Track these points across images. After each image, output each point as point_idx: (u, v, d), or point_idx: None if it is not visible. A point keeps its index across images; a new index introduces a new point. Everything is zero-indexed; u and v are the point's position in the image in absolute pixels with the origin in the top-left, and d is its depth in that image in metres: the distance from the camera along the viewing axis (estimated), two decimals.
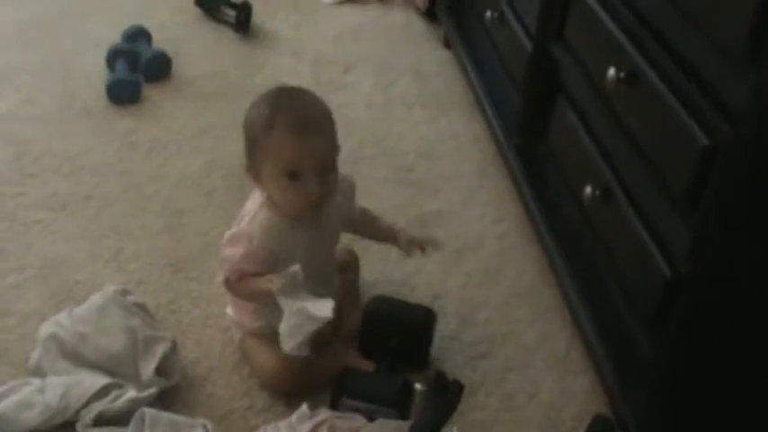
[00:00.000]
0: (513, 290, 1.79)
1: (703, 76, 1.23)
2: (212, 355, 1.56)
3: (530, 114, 1.97)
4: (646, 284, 1.42)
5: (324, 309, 1.34)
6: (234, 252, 1.42)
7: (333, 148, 1.43)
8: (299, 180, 1.38)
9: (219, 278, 1.47)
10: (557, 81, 1.82)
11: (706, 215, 1.19)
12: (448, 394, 1.23)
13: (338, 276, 1.60)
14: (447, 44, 2.73)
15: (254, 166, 1.43)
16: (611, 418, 1.41)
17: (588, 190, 1.59)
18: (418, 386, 1.29)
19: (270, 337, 1.47)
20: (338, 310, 1.56)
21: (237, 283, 1.45)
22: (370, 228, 1.63)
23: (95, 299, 1.49)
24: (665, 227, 1.35)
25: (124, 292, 1.50)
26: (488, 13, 2.27)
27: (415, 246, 1.58)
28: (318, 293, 1.47)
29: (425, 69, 2.62)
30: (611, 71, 1.44)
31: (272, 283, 1.36)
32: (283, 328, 1.35)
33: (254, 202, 1.48)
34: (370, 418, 1.36)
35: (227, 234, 1.44)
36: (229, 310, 1.56)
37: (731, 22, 1.13)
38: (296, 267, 1.36)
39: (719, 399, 1.34)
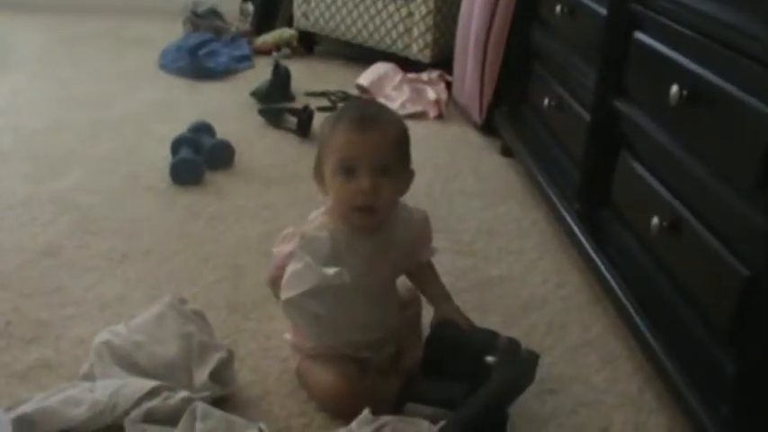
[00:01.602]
0: (579, 340, 1.72)
1: None
2: (269, 382, 1.51)
3: (589, 182, 1.97)
4: (721, 294, 1.36)
5: (333, 271, 1.31)
6: (283, 249, 1.40)
7: (392, 150, 1.40)
8: (354, 176, 1.36)
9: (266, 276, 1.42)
10: (617, 136, 1.83)
11: None
12: (520, 363, 1.15)
13: (400, 311, 1.54)
14: (505, 153, 2.76)
15: (319, 167, 1.43)
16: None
17: (655, 221, 1.56)
18: (489, 359, 1.21)
19: (325, 357, 1.44)
20: (399, 346, 1.52)
21: (279, 280, 1.41)
22: (425, 280, 1.57)
23: (153, 308, 1.46)
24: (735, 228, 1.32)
25: (182, 301, 1.47)
26: (545, 101, 2.32)
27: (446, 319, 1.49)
28: (376, 318, 1.45)
29: (483, 171, 2.64)
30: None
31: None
32: (286, 275, 1.33)
33: (317, 212, 1.47)
34: (434, 423, 1.28)
35: (282, 233, 1.42)
36: (288, 335, 1.52)
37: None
38: (340, 270, 1.34)
39: None
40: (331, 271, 1.33)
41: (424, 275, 1.57)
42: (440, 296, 1.54)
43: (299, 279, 1.35)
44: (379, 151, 1.37)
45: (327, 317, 1.42)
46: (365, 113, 1.41)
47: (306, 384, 1.47)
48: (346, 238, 1.41)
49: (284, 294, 1.37)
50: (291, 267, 1.36)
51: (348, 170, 1.36)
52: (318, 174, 1.44)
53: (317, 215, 1.46)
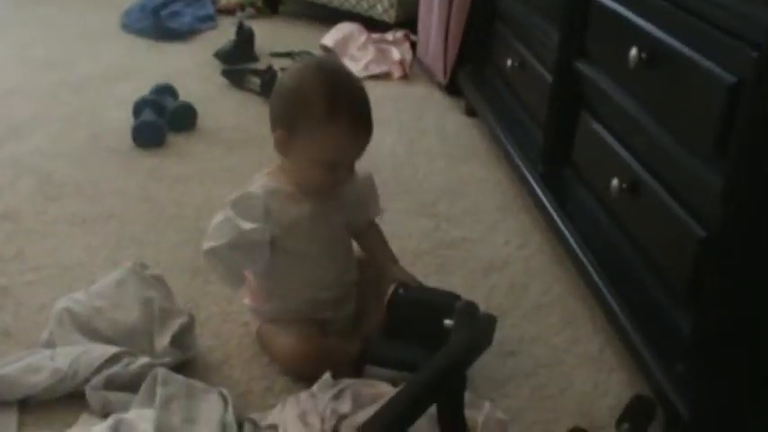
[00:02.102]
0: (540, 300, 1.73)
1: None
2: (230, 346, 1.50)
3: (551, 143, 1.98)
4: (678, 255, 1.37)
5: (251, 226, 1.33)
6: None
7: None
8: (336, 170, 1.39)
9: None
10: (579, 98, 1.83)
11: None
12: (477, 325, 1.16)
13: (357, 270, 1.55)
14: (469, 113, 2.76)
15: (289, 132, 1.39)
16: (651, 397, 1.33)
17: (615, 183, 1.57)
18: (447, 322, 1.21)
19: (286, 321, 1.45)
20: (359, 308, 1.53)
21: None
22: (372, 243, 1.58)
23: (114, 274, 1.45)
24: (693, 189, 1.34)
25: (143, 266, 1.46)
26: (509, 62, 2.32)
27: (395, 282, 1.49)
28: (331, 275, 1.47)
29: (448, 131, 2.64)
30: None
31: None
32: (210, 228, 1.35)
33: (260, 173, 1.47)
34: (395, 385, 1.29)
35: (229, 197, 1.40)
36: (246, 300, 1.52)
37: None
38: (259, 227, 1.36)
39: (761, 364, 1.28)
40: (248, 225, 1.33)
41: (372, 238, 1.58)
42: (390, 260, 1.55)
43: (218, 231, 1.35)
44: (365, 148, 1.41)
45: (270, 273, 1.45)
46: (359, 114, 1.39)
47: (267, 347, 1.47)
48: (294, 198, 1.42)
49: (204, 244, 1.36)
50: (215, 219, 1.37)
51: (333, 165, 1.39)
52: (283, 144, 1.40)
53: (260, 176, 1.46)
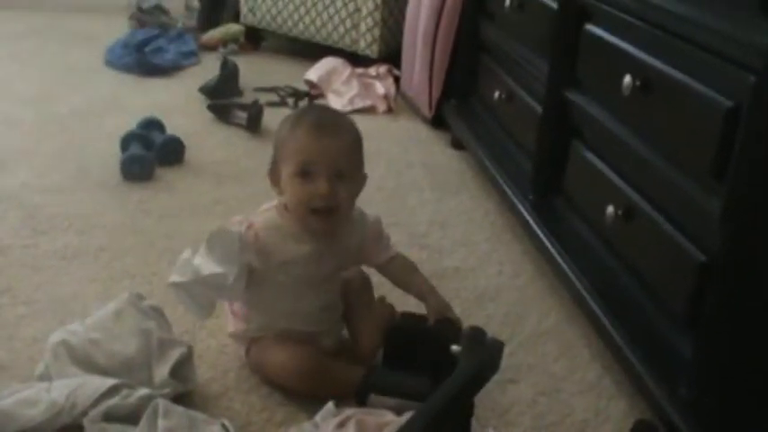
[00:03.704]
0: (536, 330, 1.73)
1: None
2: (229, 378, 1.49)
3: (542, 172, 1.99)
4: (677, 280, 1.38)
5: (211, 272, 1.34)
6: None
7: (349, 156, 1.44)
8: (311, 180, 1.39)
9: None
10: (569, 127, 1.85)
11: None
12: (486, 350, 1.15)
13: (340, 308, 1.56)
14: (455, 146, 2.77)
15: (275, 168, 1.45)
16: (654, 421, 1.33)
17: (610, 210, 1.58)
18: (454, 347, 1.21)
19: (271, 338, 1.46)
20: (350, 334, 1.56)
21: None
22: (402, 277, 1.59)
23: (110, 305, 1.43)
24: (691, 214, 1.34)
25: (140, 297, 1.44)
26: (496, 94, 2.33)
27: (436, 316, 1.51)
28: (314, 309, 1.49)
29: (434, 164, 2.64)
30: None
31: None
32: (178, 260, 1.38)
33: (270, 203, 1.48)
34: (398, 414, 1.28)
35: (232, 219, 1.43)
36: (230, 326, 1.52)
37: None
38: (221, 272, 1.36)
39: (764, 387, 1.28)
40: (210, 270, 1.35)
41: (398, 272, 1.58)
42: (426, 291, 1.55)
43: (181, 268, 1.38)
44: (337, 156, 1.41)
45: (250, 298, 1.47)
46: (323, 119, 1.46)
47: (260, 370, 1.47)
48: (294, 238, 1.44)
49: (171, 276, 1.39)
50: (183, 255, 1.39)
51: (306, 174, 1.40)
52: (274, 175, 1.46)
53: (269, 207, 1.48)
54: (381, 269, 1.58)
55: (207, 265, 1.36)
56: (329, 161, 1.40)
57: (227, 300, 1.48)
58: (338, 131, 1.44)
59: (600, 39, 1.69)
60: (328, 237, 1.45)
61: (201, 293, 1.39)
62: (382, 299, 1.64)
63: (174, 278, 1.38)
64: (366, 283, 1.62)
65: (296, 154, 1.41)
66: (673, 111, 1.40)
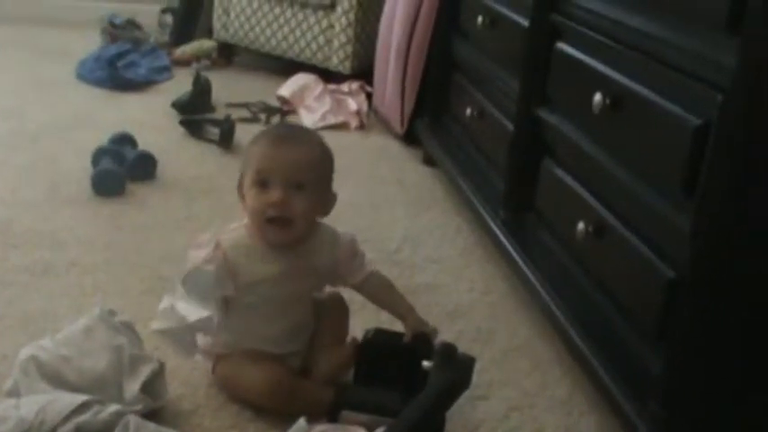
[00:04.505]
0: (507, 346, 1.74)
1: None
2: (199, 395, 1.48)
3: (513, 189, 2.00)
4: (647, 296, 1.39)
5: (197, 317, 1.36)
6: (197, 255, 1.40)
7: (308, 168, 1.43)
8: (267, 189, 1.40)
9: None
10: (540, 144, 1.86)
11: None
12: (457, 366, 1.16)
13: (310, 329, 1.55)
14: (427, 162, 2.79)
15: (242, 182, 1.46)
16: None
17: (581, 227, 1.59)
18: (426, 363, 1.21)
19: (238, 355, 1.46)
20: (316, 352, 1.53)
21: None
22: (379, 296, 1.57)
23: (81, 321, 1.42)
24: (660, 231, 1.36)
25: (111, 313, 1.43)
26: (468, 111, 2.35)
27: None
28: (282, 334, 1.48)
29: (406, 180, 2.66)
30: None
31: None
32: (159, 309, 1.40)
33: (238, 222, 1.48)
34: (370, 430, 1.28)
35: (199, 237, 1.42)
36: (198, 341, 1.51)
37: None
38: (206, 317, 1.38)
39: (733, 402, 1.29)
40: (195, 316, 1.36)
41: (375, 291, 1.56)
42: (404, 309, 1.53)
43: (164, 316, 1.40)
44: (293, 166, 1.41)
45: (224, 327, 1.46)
46: (284, 131, 1.50)
47: (228, 386, 1.47)
48: (261, 258, 1.43)
49: (153, 324, 1.41)
50: (164, 302, 1.41)
51: (262, 183, 1.40)
52: (242, 189, 1.46)
53: (237, 226, 1.47)
54: (358, 288, 1.56)
55: (190, 309, 1.37)
56: (285, 171, 1.40)
57: (209, 335, 1.47)
58: (299, 143, 1.45)
59: (571, 57, 1.71)
60: (290, 252, 1.44)
61: (183, 336, 1.40)
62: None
63: (159, 325, 1.39)
64: (338, 306, 1.59)
65: (254, 163, 1.42)
66: (642, 128, 1.42)
